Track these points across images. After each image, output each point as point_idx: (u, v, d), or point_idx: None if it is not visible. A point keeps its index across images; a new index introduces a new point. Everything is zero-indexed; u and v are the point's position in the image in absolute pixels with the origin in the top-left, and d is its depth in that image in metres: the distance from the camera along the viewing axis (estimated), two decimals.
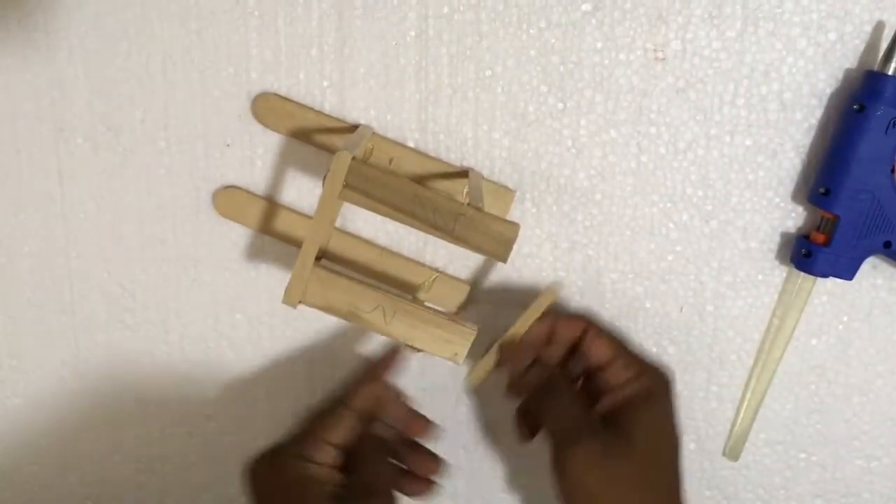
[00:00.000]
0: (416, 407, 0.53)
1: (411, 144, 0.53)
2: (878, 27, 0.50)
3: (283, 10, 0.51)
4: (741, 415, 0.56)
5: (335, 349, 0.56)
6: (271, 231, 0.54)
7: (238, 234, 0.55)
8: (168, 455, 0.59)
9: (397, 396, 0.52)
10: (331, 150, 0.52)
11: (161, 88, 0.53)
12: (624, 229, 0.54)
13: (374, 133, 0.52)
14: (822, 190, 0.50)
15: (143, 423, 0.58)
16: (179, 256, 0.55)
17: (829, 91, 0.51)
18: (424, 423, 0.53)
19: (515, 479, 0.59)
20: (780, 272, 0.54)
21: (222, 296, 0.56)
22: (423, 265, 0.54)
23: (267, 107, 0.52)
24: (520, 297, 0.54)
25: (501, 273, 0.54)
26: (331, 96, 0.52)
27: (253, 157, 0.53)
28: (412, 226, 0.45)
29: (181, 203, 0.54)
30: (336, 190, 0.44)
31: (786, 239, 0.53)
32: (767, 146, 0.52)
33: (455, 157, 0.53)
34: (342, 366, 0.56)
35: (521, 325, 0.51)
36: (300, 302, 0.46)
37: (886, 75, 0.48)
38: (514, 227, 0.45)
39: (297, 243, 0.53)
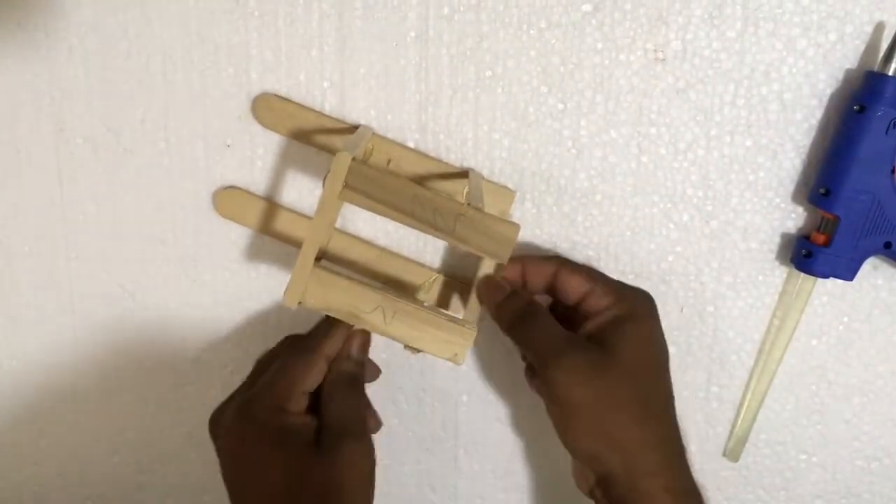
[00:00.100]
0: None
1: (411, 145, 0.53)
2: (879, 28, 0.50)
3: (283, 10, 0.51)
4: (741, 415, 0.56)
5: None
6: (271, 231, 0.54)
7: (238, 235, 0.55)
8: (168, 456, 0.59)
9: (360, 331, 0.52)
10: (331, 151, 0.52)
11: (161, 89, 0.53)
12: (624, 230, 0.54)
13: (374, 133, 0.52)
14: (822, 190, 0.50)
15: (143, 424, 0.58)
16: (179, 256, 0.55)
17: (829, 91, 0.51)
18: (375, 368, 0.54)
19: (515, 479, 0.59)
20: (780, 273, 0.54)
21: (222, 296, 0.56)
22: (423, 266, 0.54)
23: (267, 107, 0.52)
24: None
25: None
26: (331, 97, 0.52)
27: (253, 157, 0.53)
28: (412, 226, 0.45)
29: (181, 203, 0.54)
30: (336, 190, 0.44)
31: (786, 239, 0.53)
32: (768, 147, 0.52)
33: (455, 158, 0.53)
34: None
35: (488, 264, 0.50)
36: (300, 302, 0.46)
37: (887, 76, 0.48)
38: (515, 227, 0.45)
39: (296, 244, 0.53)
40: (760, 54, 0.51)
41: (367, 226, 0.54)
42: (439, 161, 0.53)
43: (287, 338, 0.53)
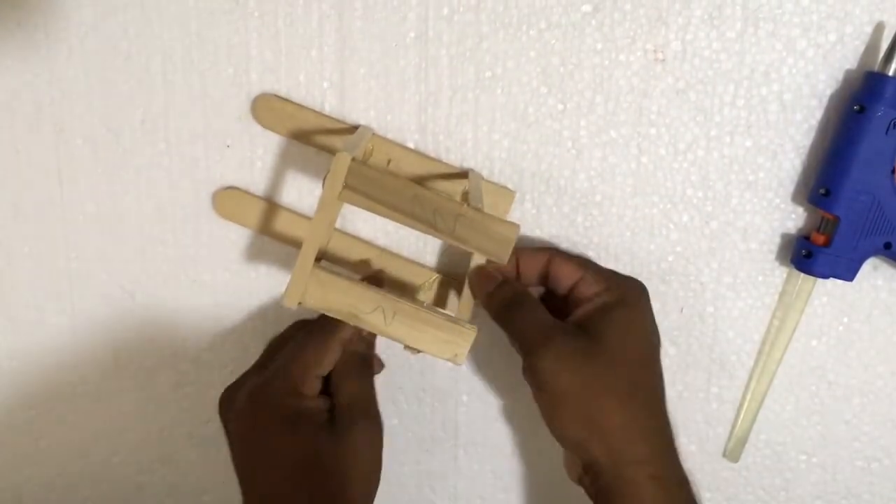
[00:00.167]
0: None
1: (411, 145, 0.53)
2: (879, 28, 0.50)
3: (283, 10, 0.51)
4: (741, 416, 0.56)
5: None
6: (271, 232, 0.54)
7: (238, 235, 0.55)
8: (168, 456, 0.59)
9: None
10: (331, 151, 0.52)
11: (161, 89, 0.53)
12: (624, 230, 0.54)
13: (373, 134, 0.52)
14: (822, 191, 0.50)
15: (142, 425, 0.58)
16: (179, 257, 0.55)
17: (829, 92, 0.51)
18: (380, 361, 0.55)
19: (515, 479, 0.59)
20: (780, 273, 0.54)
21: (222, 296, 0.56)
22: (422, 266, 0.54)
23: (267, 108, 0.52)
24: None
25: None
26: (331, 97, 0.52)
27: (253, 158, 0.53)
28: (412, 227, 0.45)
29: (181, 204, 0.54)
30: (336, 191, 0.44)
31: (786, 240, 0.53)
32: (768, 147, 0.52)
33: (455, 159, 0.53)
34: None
35: (480, 255, 0.49)
36: (300, 303, 0.46)
37: (887, 76, 0.48)
38: (514, 227, 0.45)
39: (296, 244, 0.53)
40: (760, 55, 0.51)
41: (367, 226, 0.54)
42: (439, 161, 0.53)
43: (297, 322, 0.53)
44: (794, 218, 0.53)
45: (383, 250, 0.54)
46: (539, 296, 0.51)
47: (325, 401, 0.49)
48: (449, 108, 0.52)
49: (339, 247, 0.54)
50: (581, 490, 0.49)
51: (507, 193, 0.53)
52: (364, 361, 0.51)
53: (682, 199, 0.53)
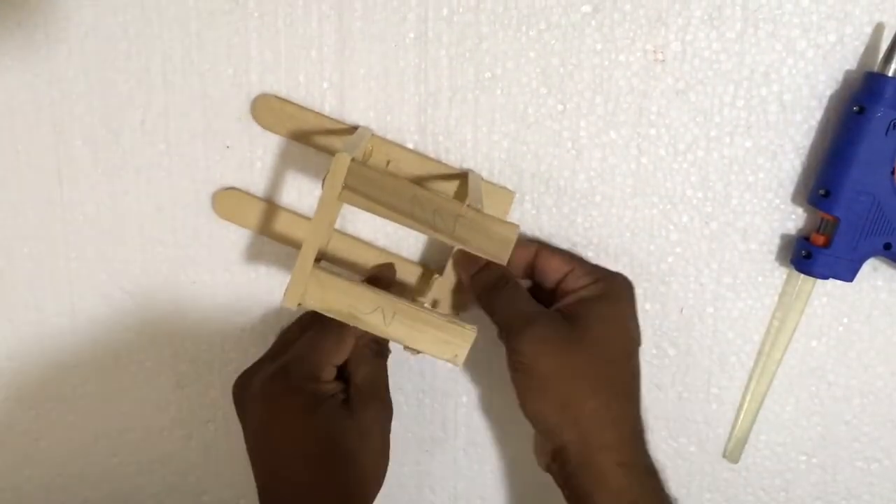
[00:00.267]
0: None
1: (411, 146, 0.53)
2: (878, 29, 0.50)
3: (283, 11, 0.51)
4: (741, 417, 0.56)
5: None
6: (271, 232, 0.54)
7: (237, 236, 0.55)
8: (167, 457, 0.59)
9: None
10: (330, 152, 0.52)
11: (161, 90, 0.53)
12: (624, 231, 0.54)
13: (373, 135, 0.52)
14: (822, 191, 0.50)
15: (142, 425, 0.58)
16: (179, 258, 0.55)
17: (828, 93, 0.51)
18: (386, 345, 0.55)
19: (515, 479, 0.59)
20: (780, 274, 0.54)
21: (222, 296, 0.56)
22: (422, 266, 0.54)
23: (267, 108, 0.52)
24: None
25: None
26: (330, 98, 0.52)
27: (252, 158, 0.53)
28: (412, 227, 0.45)
29: (181, 204, 0.54)
30: (335, 191, 0.44)
31: (786, 240, 0.53)
32: (767, 148, 0.52)
33: (454, 159, 0.53)
34: None
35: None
36: (299, 304, 0.46)
37: (886, 77, 0.48)
38: (514, 227, 0.45)
39: (296, 245, 0.53)
40: (760, 55, 0.51)
41: (367, 226, 0.54)
42: (438, 162, 0.53)
43: (311, 311, 0.53)
44: (793, 219, 0.53)
45: (383, 251, 0.54)
46: (526, 288, 0.51)
47: (340, 384, 0.50)
48: (448, 109, 0.52)
49: (338, 247, 0.54)
50: (540, 466, 0.50)
51: (506, 194, 0.53)
52: (378, 347, 0.52)
53: (681, 199, 0.53)
